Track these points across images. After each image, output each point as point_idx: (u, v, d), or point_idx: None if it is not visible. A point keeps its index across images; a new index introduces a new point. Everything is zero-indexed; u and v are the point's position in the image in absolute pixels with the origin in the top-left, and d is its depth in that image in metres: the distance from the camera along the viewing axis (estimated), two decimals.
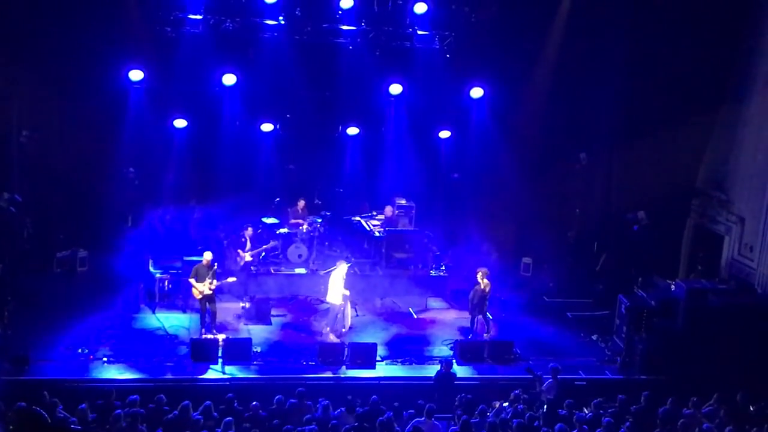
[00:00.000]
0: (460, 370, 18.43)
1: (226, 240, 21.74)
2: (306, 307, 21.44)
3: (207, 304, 18.79)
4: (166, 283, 20.97)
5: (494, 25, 22.79)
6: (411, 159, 24.11)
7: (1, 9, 19.70)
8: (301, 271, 22.26)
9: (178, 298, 20.73)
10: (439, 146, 24.60)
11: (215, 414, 14.90)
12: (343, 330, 20.07)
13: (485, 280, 19.65)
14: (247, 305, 20.56)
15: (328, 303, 20.11)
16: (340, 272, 19.88)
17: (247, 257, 20.89)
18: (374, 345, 18.80)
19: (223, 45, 22.16)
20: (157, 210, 22.26)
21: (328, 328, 19.85)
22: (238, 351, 18.24)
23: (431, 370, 17.96)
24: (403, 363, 18.73)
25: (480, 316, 19.93)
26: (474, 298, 19.73)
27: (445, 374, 17.45)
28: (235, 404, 15.36)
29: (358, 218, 23.68)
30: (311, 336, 19.62)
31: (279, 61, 22.47)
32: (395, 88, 23.55)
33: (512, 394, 16.74)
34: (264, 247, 21.80)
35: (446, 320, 21.25)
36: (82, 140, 21.38)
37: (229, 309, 20.46)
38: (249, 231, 21.24)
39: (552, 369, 17.22)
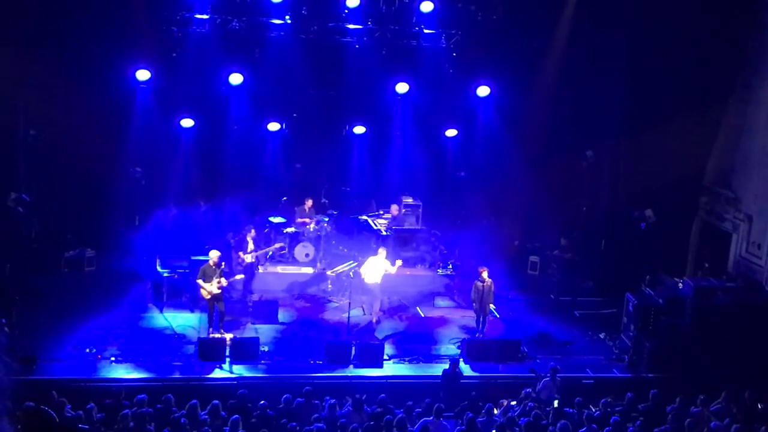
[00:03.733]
0: (468, 369, 18.44)
1: (234, 239, 21.75)
2: (313, 306, 21.44)
3: (215, 303, 18.79)
4: (173, 283, 20.98)
5: (500, 24, 22.82)
6: (417, 158, 24.15)
7: (9, 9, 19.74)
8: (309, 270, 22.30)
9: (185, 297, 20.74)
10: (446, 145, 24.65)
11: (223, 413, 14.91)
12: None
13: (488, 279, 19.63)
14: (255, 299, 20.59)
15: (370, 285, 20.26)
16: (382, 254, 20.30)
17: (248, 258, 20.83)
18: (381, 344, 18.85)
19: (230, 44, 22.25)
20: (164, 209, 22.31)
21: (374, 313, 20.31)
22: (245, 350, 18.25)
23: (438, 369, 17.94)
24: (410, 362, 18.72)
25: (485, 315, 19.90)
26: (480, 296, 19.65)
27: (452, 373, 17.44)
28: (245, 401, 15.38)
29: (364, 217, 23.71)
30: (319, 335, 19.60)
31: (285, 61, 22.52)
32: (402, 87, 23.58)
33: (523, 392, 16.76)
34: (270, 248, 21.78)
35: (453, 319, 21.22)
36: (89, 140, 21.41)
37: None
38: (252, 233, 21.17)
39: (551, 368, 17.20)
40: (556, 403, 15.95)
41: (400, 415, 14.83)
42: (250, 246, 20.90)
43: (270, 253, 21.98)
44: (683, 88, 22.20)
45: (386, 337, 19.67)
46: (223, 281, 18.80)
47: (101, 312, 19.72)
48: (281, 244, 22.14)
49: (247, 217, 22.16)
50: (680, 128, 22.62)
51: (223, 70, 22.43)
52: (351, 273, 20.88)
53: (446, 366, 17.71)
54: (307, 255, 22.39)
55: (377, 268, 20.21)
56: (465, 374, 18.02)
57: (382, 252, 20.48)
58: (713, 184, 23.57)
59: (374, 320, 20.34)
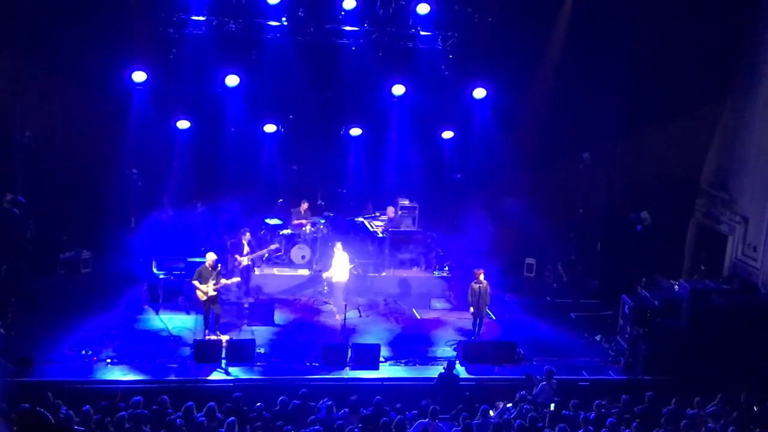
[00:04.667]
0: (464, 371, 18.45)
1: (230, 241, 21.73)
2: (309, 308, 21.43)
3: (211, 305, 18.77)
4: (169, 284, 20.96)
5: (497, 26, 22.83)
6: (414, 159, 24.16)
7: (5, 10, 19.73)
8: (305, 272, 22.29)
9: (181, 299, 20.72)
10: (442, 147, 24.64)
11: (219, 415, 14.90)
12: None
13: (484, 281, 19.62)
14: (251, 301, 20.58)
15: (335, 282, 20.49)
16: (339, 251, 20.48)
17: (245, 261, 20.84)
18: (377, 346, 18.81)
19: (226, 46, 22.22)
20: (160, 211, 22.31)
21: (339, 315, 20.22)
22: (241, 352, 18.23)
23: (435, 371, 17.94)
24: (406, 364, 18.71)
25: (481, 317, 19.89)
26: (476, 298, 19.63)
27: (449, 376, 17.42)
28: (241, 404, 15.37)
29: (361, 219, 23.70)
30: (315, 337, 19.59)
31: (282, 62, 22.52)
32: (398, 89, 23.58)
33: (517, 395, 16.73)
34: (265, 249, 21.76)
35: (449, 321, 21.21)
36: (85, 141, 21.40)
37: None
38: (247, 235, 21.15)
39: (546, 371, 17.15)
40: (552, 406, 15.95)
41: (398, 417, 14.82)
42: (246, 248, 20.89)
43: (266, 255, 21.97)
44: (680, 90, 22.22)
45: (382, 339, 19.62)
46: (223, 281, 18.81)
47: (97, 314, 19.68)
48: (276, 245, 22.14)
49: (243, 219, 22.15)
50: (677, 131, 22.64)
51: (220, 72, 22.40)
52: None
53: (442, 369, 17.67)
54: (303, 257, 22.37)
55: (341, 265, 20.37)
56: (461, 376, 18.04)
57: (339, 246, 20.68)
58: (709, 187, 23.59)
59: (341, 318, 20.27)
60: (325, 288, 21.71)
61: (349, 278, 20.41)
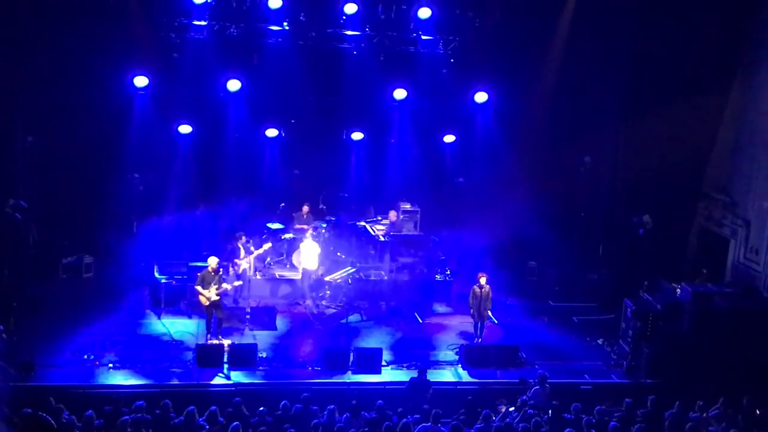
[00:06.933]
0: (465, 375, 18.45)
1: (230, 245, 21.71)
2: (311, 312, 21.40)
3: (213, 309, 18.76)
4: (171, 289, 20.94)
5: (498, 30, 22.83)
6: (415, 164, 24.15)
7: (7, 16, 19.76)
8: None
9: (183, 303, 20.71)
10: (444, 151, 24.63)
11: (221, 419, 14.89)
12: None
13: (486, 285, 19.61)
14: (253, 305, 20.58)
15: (306, 270, 21.08)
16: (308, 241, 21.06)
17: (245, 264, 20.82)
18: (379, 350, 18.81)
19: (228, 51, 22.24)
20: (162, 215, 22.31)
21: (309, 301, 20.90)
22: (243, 356, 18.24)
23: (437, 375, 17.95)
24: (408, 368, 18.69)
25: (483, 321, 19.87)
26: (477, 302, 19.61)
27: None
28: (243, 408, 15.36)
29: (363, 223, 23.67)
30: (317, 341, 19.58)
31: (283, 67, 22.53)
32: (400, 93, 23.57)
33: (519, 399, 16.71)
34: (260, 250, 21.66)
35: (451, 325, 21.21)
36: (87, 146, 21.47)
37: None
38: (242, 239, 21.11)
39: (539, 376, 17.13)
40: (550, 412, 15.93)
41: (402, 421, 14.80)
42: (242, 252, 20.87)
43: (268, 259, 21.97)
44: (681, 94, 22.27)
45: (384, 343, 19.62)
46: (225, 285, 18.80)
47: (99, 318, 19.70)
48: (270, 244, 21.98)
49: (245, 224, 22.04)
50: (678, 134, 22.67)
51: (221, 77, 22.41)
52: (349, 279, 20.94)
53: (444, 374, 17.65)
54: None
55: (310, 253, 20.86)
56: (463, 380, 18.07)
57: (309, 234, 21.32)
58: (711, 190, 23.59)
59: (315, 311, 20.97)
60: (327, 292, 21.69)
61: (318, 266, 21.15)
